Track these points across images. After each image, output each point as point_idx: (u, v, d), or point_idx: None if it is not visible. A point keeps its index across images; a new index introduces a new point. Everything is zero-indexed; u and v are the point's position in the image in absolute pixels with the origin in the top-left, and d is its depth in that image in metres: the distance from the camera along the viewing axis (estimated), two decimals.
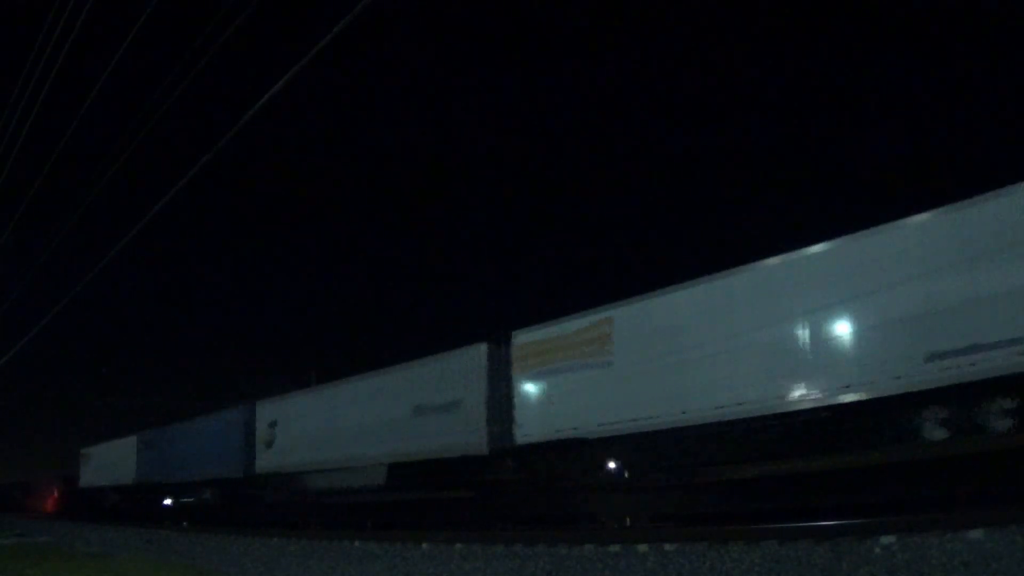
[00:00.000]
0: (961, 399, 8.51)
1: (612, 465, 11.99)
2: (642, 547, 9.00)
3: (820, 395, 9.47)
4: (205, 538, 17.01)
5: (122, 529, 22.37)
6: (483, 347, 14.01)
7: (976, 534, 6.73)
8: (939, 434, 8.78)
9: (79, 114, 11.62)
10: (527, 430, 12.87)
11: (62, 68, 11.59)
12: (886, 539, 7.17)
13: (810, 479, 10.21)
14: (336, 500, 17.82)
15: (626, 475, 11.92)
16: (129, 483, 28.92)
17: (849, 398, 9.23)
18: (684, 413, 10.70)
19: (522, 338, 13.33)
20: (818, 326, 9.65)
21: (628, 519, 11.71)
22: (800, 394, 9.62)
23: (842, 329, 9.43)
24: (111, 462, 31.33)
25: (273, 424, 19.68)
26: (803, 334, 9.75)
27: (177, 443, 25.03)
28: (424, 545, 11.74)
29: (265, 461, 19.84)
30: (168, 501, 27.01)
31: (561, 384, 12.45)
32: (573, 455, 12.34)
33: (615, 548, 9.26)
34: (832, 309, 9.55)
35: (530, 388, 13.05)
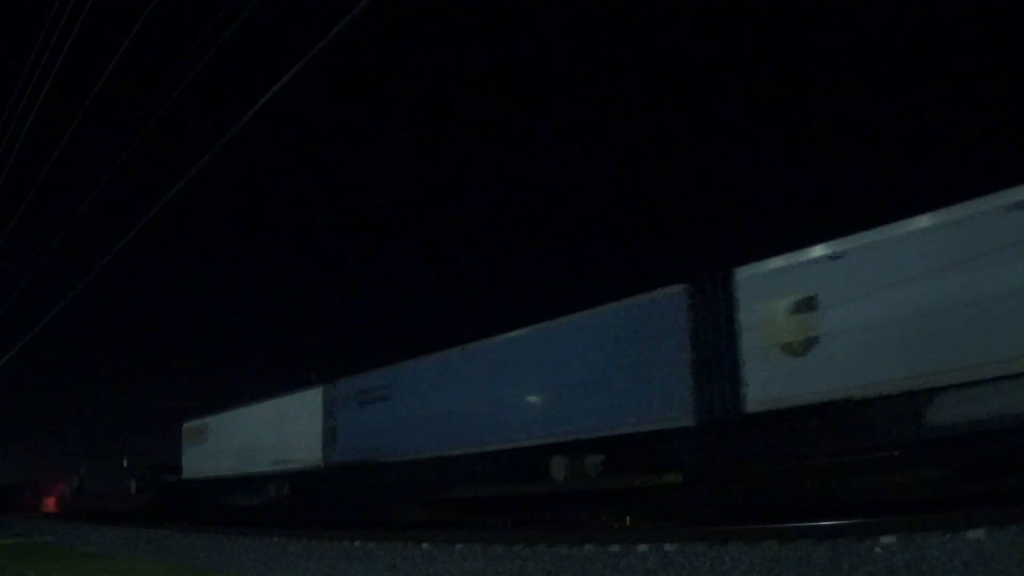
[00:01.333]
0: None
1: None
2: (642, 547, 9.01)
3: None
4: (205, 538, 17.01)
5: (122, 529, 22.36)
6: None
7: (976, 534, 6.74)
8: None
9: (80, 113, 11.63)
10: None
11: (62, 67, 11.60)
12: (886, 539, 7.17)
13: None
14: None
15: None
16: (314, 466, 17.73)
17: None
18: None
19: None
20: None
21: (628, 519, 11.70)
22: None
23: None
24: (260, 437, 20.01)
25: (806, 305, 9.62)
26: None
27: (472, 381, 14.07)
28: (424, 545, 11.74)
29: (786, 384, 9.62)
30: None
31: None
32: None
33: (615, 548, 9.26)
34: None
35: None
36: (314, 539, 14.37)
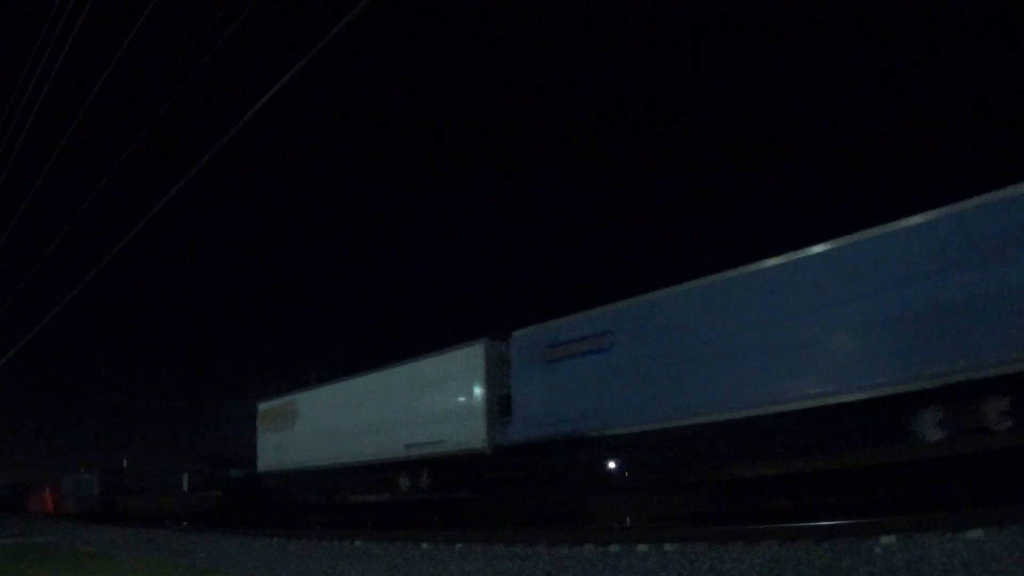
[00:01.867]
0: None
1: None
2: (642, 547, 9.00)
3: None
4: (205, 538, 17.01)
5: (122, 529, 22.36)
6: None
7: (976, 534, 6.74)
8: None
9: (80, 113, 11.64)
10: None
11: (63, 67, 11.61)
12: (886, 539, 7.17)
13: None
14: None
15: None
16: (474, 448, 13.64)
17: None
18: None
19: None
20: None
21: (628, 519, 11.69)
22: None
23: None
24: (383, 414, 15.65)
25: None
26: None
27: (757, 316, 10.29)
28: (424, 545, 11.74)
29: None
30: None
31: None
32: None
33: (615, 548, 9.26)
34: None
35: None
36: (314, 539, 14.36)
